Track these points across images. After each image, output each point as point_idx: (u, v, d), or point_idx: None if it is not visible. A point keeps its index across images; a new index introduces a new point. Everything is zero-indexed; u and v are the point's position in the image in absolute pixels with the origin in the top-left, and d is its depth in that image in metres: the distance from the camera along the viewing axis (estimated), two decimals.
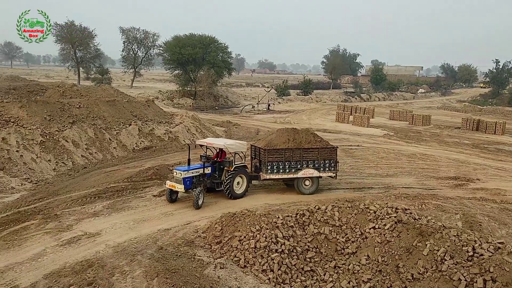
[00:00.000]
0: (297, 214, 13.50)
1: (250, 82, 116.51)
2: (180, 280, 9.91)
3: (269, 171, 18.57)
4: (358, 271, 11.66)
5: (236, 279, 10.73)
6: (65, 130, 25.61)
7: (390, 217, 12.84)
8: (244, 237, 12.33)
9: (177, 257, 11.79)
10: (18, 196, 18.36)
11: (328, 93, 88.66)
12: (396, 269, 11.33)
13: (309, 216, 13.42)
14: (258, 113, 55.37)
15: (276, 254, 11.65)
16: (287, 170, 18.73)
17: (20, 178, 20.85)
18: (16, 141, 23.01)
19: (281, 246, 11.92)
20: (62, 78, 75.46)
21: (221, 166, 18.27)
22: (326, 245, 12.67)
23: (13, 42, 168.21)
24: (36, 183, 20.79)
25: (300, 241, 12.51)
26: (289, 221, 13.06)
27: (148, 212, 16.26)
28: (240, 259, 11.66)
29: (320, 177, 19.38)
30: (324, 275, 11.67)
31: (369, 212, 13.32)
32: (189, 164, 18.09)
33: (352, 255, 12.30)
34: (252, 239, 12.12)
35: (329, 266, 12.01)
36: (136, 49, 73.16)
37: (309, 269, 11.74)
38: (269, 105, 60.84)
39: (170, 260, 11.41)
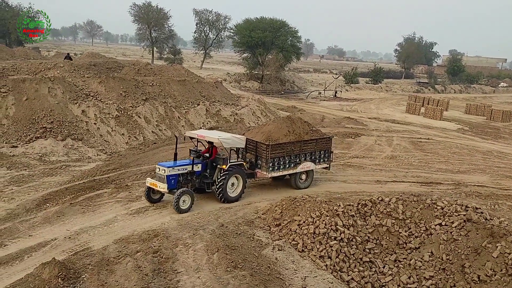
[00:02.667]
0: (359, 203, 13.27)
1: (318, 68, 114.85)
2: (239, 257, 10.17)
3: (271, 168, 16.44)
4: (420, 267, 11.30)
5: (293, 262, 10.82)
6: (138, 106, 26.88)
7: (458, 215, 12.24)
8: (304, 222, 12.35)
9: (237, 235, 12.09)
10: (94, 166, 19.64)
11: (399, 82, 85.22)
12: (461, 269, 10.83)
13: (371, 206, 13.15)
14: (324, 100, 54.57)
15: (335, 241, 11.57)
16: (287, 166, 16.90)
17: (96, 149, 22.27)
18: (94, 114, 24.54)
19: (340, 234, 11.81)
20: (137, 57, 79.07)
21: (214, 164, 15.55)
22: (387, 238, 12.37)
23: (95, 21, 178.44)
24: (110, 155, 22.11)
25: (360, 231, 12.31)
26: (350, 210, 12.87)
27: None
28: (298, 243, 11.72)
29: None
30: (384, 267, 11.44)
31: (436, 208, 12.78)
32: (175, 159, 15.19)
33: (414, 251, 11.91)
34: (312, 224, 12.12)
35: (389, 259, 11.74)
36: (208, 31, 74.57)
37: (368, 260, 11.55)
38: (336, 92, 59.70)
39: (230, 237, 11.72)
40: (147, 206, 14.50)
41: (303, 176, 17.70)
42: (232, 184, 15.59)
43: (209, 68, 76.80)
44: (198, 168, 15.19)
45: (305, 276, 10.28)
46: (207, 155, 15.78)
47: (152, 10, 69.96)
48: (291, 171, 17.07)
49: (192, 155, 15.48)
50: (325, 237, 11.67)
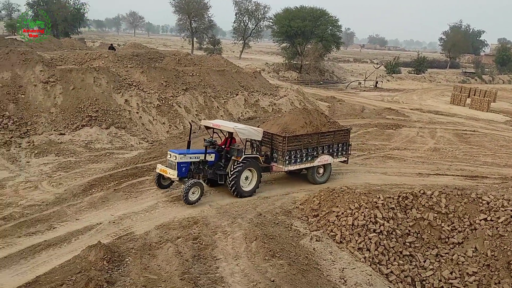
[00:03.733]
0: (399, 196, 13.00)
1: (358, 57, 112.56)
2: (277, 246, 10.23)
3: (288, 161, 15.65)
4: (462, 262, 10.99)
5: (331, 253, 10.77)
6: (178, 96, 27.37)
7: (505, 210, 11.77)
8: (342, 213, 12.25)
9: (275, 224, 12.14)
10: (136, 154, 20.21)
11: (444, 72, 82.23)
12: (507, 265, 10.44)
13: (412, 199, 12.85)
14: (364, 90, 53.52)
15: (374, 234, 11.41)
16: (304, 159, 16.10)
17: (138, 137, 22.92)
18: (137, 103, 25.22)
19: (379, 226, 11.63)
20: (177, 47, 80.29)
21: (228, 155, 14.98)
22: (429, 232, 12.07)
23: (137, 12, 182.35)
24: (151, 143, 22.68)
25: (400, 224, 12.07)
26: (390, 202, 12.63)
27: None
28: (336, 234, 11.64)
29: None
30: (424, 262, 11.20)
31: (481, 203, 12.34)
32: (188, 147, 14.88)
33: (457, 246, 11.58)
34: (350, 216, 11.99)
35: (431, 254, 11.47)
36: (247, 21, 74.60)
37: (408, 253, 11.33)
38: (376, 82, 58.38)
39: (268, 226, 11.79)
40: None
41: (321, 170, 16.87)
42: (246, 178, 14.85)
43: (248, 58, 76.92)
44: (211, 158, 14.56)
45: (343, 268, 10.22)
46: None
47: (193, 1, 70.82)
48: (308, 165, 16.25)
49: (205, 144, 14.73)
50: (364, 229, 11.53)
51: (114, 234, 11.45)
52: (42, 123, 21.78)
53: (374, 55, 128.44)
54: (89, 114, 22.95)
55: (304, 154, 15.97)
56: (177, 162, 13.66)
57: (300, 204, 13.96)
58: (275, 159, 15.91)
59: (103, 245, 9.67)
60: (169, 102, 26.62)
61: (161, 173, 14.14)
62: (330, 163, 16.96)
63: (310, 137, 16.03)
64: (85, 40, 70.41)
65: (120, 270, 8.93)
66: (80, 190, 15.00)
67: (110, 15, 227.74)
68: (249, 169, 14.74)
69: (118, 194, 14.49)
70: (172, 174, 13.71)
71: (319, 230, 12.01)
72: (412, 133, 27.49)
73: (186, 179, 13.85)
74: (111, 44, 35.43)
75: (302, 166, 16.18)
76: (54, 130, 21.59)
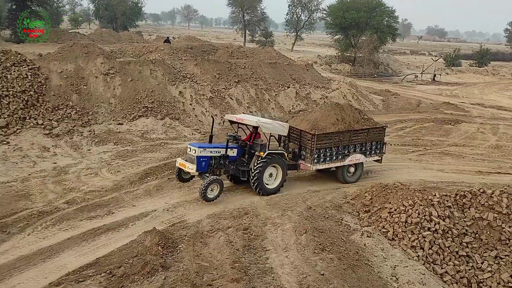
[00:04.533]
0: (456, 194, 12.47)
1: (415, 49, 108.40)
2: (327, 240, 10.18)
3: (316, 160, 14.91)
4: None
5: (383, 250, 10.56)
6: (230, 88, 27.71)
7: None
8: (395, 210, 11.95)
9: (325, 218, 12.07)
10: None
11: (509, 65, 77.44)
12: None
13: (471, 198, 12.28)
14: (421, 84, 51.54)
15: (429, 232, 11.04)
16: (334, 158, 15.32)
17: (191, 129, 23.48)
18: (190, 95, 25.80)
19: (435, 225, 11.23)
20: (230, 40, 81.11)
21: (252, 151, 14.38)
22: (488, 233, 11.51)
23: (192, 6, 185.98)
24: (203, 134, 23.15)
25: (457, 223, 11.60)
26: (447, 200, 12.15)
27: (300, 172, 16.81)
28: (389, 231, 11.38)
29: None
30: (482, 263, 10.70)
31: None
32: (210, 141, 14.53)
33: None
34: (404, 213, 11.68)
35: (489, 255, 10.94)
36: (300, 13, 73.99)
37: (465, 254, 10.88)
38: (434, 75, 55.99)
39: (318, 220, 11.75)
40: (237, 186, 15.01)
41: (351, 169, 16.09)
42: (270, 175, 14.26)
43: (300, 50, 76.31)
44: (233, 153, 14.05)
45: (395, 265, 10.00)
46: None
47: None
48: (338, 164, 15.48)
49: (227, 137, 14.29)
50: (418, 227, 11.18)
51: (168, 221, 11.88)
52: (102, 113, 22.82)
53: (433, 47, 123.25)
54: (145, 105, 23.77)
55: (334, 153, 15.23)
56: (196, 156, 13.26)
57: (351, 199, 13.78)
58: (303, 157, 15.23)
59: (158, 231, 10.06)
60: (221, 94, 27.01)
61: (181, 167, 13.70)
62: (362, 162, 16.15)
63: (342, 135, 15.22)
64: (142, 33, 72.84)
65: (173, 256, 9.27)
66: (136, 178, 15.63)
67: (165, 8, 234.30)
68: (273, 166, 14.18)
69: (172, 183, 14.96)
70: (191, 168, 13.30)
71: (370, 226, 11.80)
72: (472, 129, 26.22)
73: (207, 174, 13.43)
74: (167, 37, 36.37)
75: (332, 165, 15.44)
76: (113, 120, 22.56)
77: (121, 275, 8.31)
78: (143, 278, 8.14)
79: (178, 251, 9.57)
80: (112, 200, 13.49)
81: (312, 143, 14.71)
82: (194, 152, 13.33)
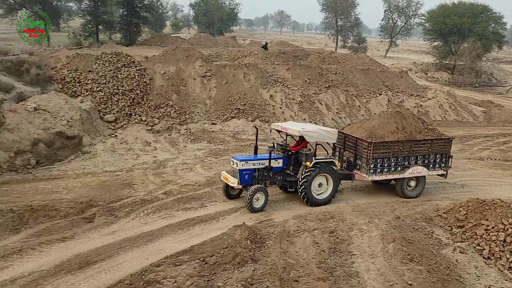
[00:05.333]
0: None
1: None
2: (415, 251, 9.94)
3: (372, 170, 14.03)
4: None
5: (477, 268, 10.04)
6: (320, 93, 27.80)
7: None
8: (493, 227, 11.27)
9: (414, 230, 11.76)
10: None
11: None
12: None
13: None
14: None
15: None
16: (393, 169, 14.35)
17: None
18: (281, 99, 26.36)
19: None
20: (321, 45, 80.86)
21: (299, 160, 13.79)
22: None
23: (285, 11, 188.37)
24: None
25: None
26: None
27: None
28: (484, 249, 10.78)
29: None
30: None
31: None
32: (255, 152, 13.85)
33: None
34: (502, 231, 10.98)
35: None
36: (396, 18, 71.54)
37: None
38: None
39: (406, 230, 11.48)
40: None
41: (412, 183, 15.07)
42: (320, 185, 13.61)
43: (394, 57, 73.72)
44: (278, 163, 13.54)
45: (490, 285, 9.47)
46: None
47: None
48: (396, 176, 14.57)
49: (269, 149, 13.76)
50: None
51: (256, 219, 12.38)
52: (198, 113, 24.23)
53: None
54: (238, 107, 24.77)
55: (392, 164, 14.32)
56: (239, 170, 12.93)
57: (444, 213, 13.23)
58: (358, 167, 14.47)
59: (247, 226, 10.58)
60: (311, 99, 27.21)
61: (224, 181, 13.41)
62: (424, 176, 15.03)
63: (401, 144, 14.28)
64: (236, 38, 75.55)
65: (261, 251, 9.71)
66: None
67: (259, 14, 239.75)
68: (323, 175, 13.54)
69: None
70: (233, 182, 12.94)
71: (463, 242, 11.27)
72: None
73: (250, 186, 12.97)
74: (266, 43, 36.68)
75: (389, 176, 14.59)
76: (208, 120, 23.85)
77: (213, 263, 8.92)
78: (234, 268, 8.67)
79: (266, 246, 9.99)
80: (205, 194, 14.34)
81: (368, 152, 13.92)
82: (236, 165, 12.99)
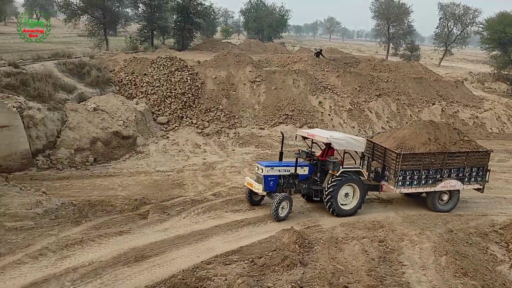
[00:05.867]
0: None
1: None
2: (469, 266, 9.64)
3: (401, 182, 13.32)
4: None
5: None
6: (371, 101, 27.42)
7: None
8: None
9: (468, 244, 11.39)
10: None
11: None
12: None
13: None
14: None
15: None
16: (423, 182, 13.56)
17: None
18: (330, 106, 26.24)
19: None
20: (371, 53, 79.50)
21: (325, 168, 13.29)
22: None
23: (335, 18, 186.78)
24: None
25: None
26: None
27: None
28: None
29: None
30: None
31: None
32: (280, 159, 13.58)
33: None
34: None
35: None
36: (452, 26, 69.14)
37: None
38: None
39: (459, 244, 11.15)
40: (373, 199, 14.91)
41: (445, 197, 14.25)
42: (346, 195, 13.07)
43: (448, 66, 71.19)
44: (304, 171, 13.06)
45: None
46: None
47: (393, 6, 69.06)
48: (427, 189, 13.80)
49: (296, 155, 13.33)
50: None
51: (303, 224, 12.43)
52: (246, 117, 24.59)
53: None
54: (286, 113, 24.91)
55: (423, 176, 13.55)
56: (264, 176, 12.54)
57: (500, 229, 12.73)
58: (386, 178, 13.82)
59: (296, 230, 10.66)
60: (361, 107, 26.90)
61: (248, 186, 13.07)
62: (458, 190, 14.20)
63: (433, 156, 13.46)
64: (285, 44, 75.79)
65: (309, 256, 9.75)
66: None
67: (308, 20, 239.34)
68: (350, 185, 13.04)
69: None
70: (257, 188, 12.59)
71: None
72: None
73: (275, 193, 12.63)
74: (320, 50, 36.19)
75: (419, 189, 13.84)
76: (256, 125, 24.15)
77: (262, 265, 9.07)
78: (283, 270, 8.78)
79: (314, 251, 10.02)
80: None
81: (397, 163, 13.21)
82: (261, 171, 12.59)
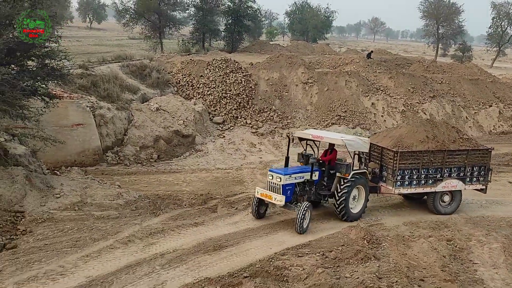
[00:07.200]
0: None
1: None
2: None
3: (399, 182, 12.85)
4: None
5: None
6: (424, 103, 27.13)
7: None
8: None
9: None
10: None
11: None
12: None
13: None
14: None
15: None
16: (423, 182, 13.07)
17: None
18: (382, 107, 26.22)
19: None
20: (419, 54, 77.82)
21: (331, 171, 12.60)
22: None
23: (379, 18, 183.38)
24: None
25: None
26: None
27: (502, 196, 15.80)
28: None
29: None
30: None
31: None
32: (286, 164, 12.64)
33: None
34: None
35: None
36: (506, 26, 66.68)
37: None
38: None
39: None
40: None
41: (446, 198, 13.72)
42: (354, 198, 12.53)
43: (502, 67, 68.69)
44: (315, 176, 12.15)
45: None
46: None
47: (443, 5, 67.41)
48: (428, 189, 13.32)
49: (311, 161, 12.18)
50: None
51: (366, 222, 12.70)
52: (299, 118, 25.00)
53: None
54: (339, 114, 25.13)
55: (422, 176, 13.09)
56: (282, 185, 11.44)
57: None
58: (384, 178, 13.38)
59: (363, 227, 10.99)
60: (414, 108, 26.68)
61: (263, 198, 11.75)
62: (459, 190, 13.68)
63: (432, 154, 13.02)
64: (329, 45, 75.60)
65: (379, 251, 10.07)
66: None
67: (351, 21, 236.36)
68: (357, 187, 12.54)
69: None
70: (279, 200, 11.33)
71: None
72: None
73: (291, 204, 11.73)
74: (371, 51, 36.09)
75: (419, 190, 13.34)
76: (308, 125, 24.49)
77: (334, 258, 9.48)
78: (358, 262, 9.16)
79: (382, 248, 10.32)
80: None
81: (395, 162, 12.79)
82: (279, 180, 11.47)
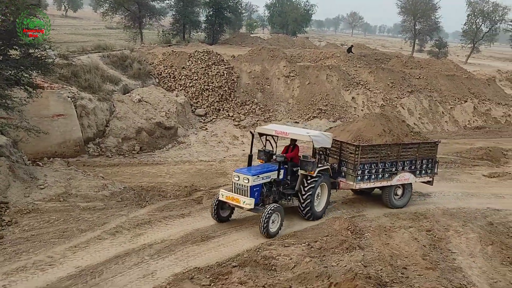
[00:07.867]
0: None
1: None
2: None
3: (360, 177, 12.67)
4: None
5: None
6: (403, 98, 27.74)
7: None
8: None
9: (509, 237, 11.82)
10: None
11: None
12: None
13: None
14: None
15: None
16: (381, 176, 13.07)
17: None
18: (362, 101, 26.70)
19: None
20: (396, 49, 79.06)
21: (293, 169, 11.86)
22: None
23: (358, 12, 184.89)
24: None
25: None
26: None
27: (477, 189, 16.40)
28: None
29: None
30: None
31: None
32: (250, 163, 11.67)
33: None
34: None
35: None
36: (480, 23, 68.33)
37: None
38: None
39: (502, 236, 11.62)
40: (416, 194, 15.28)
41: (399, 191, 13.85)
42: (317, 195, 11.93)
43: (475, 63, 70.41)
44: (280, 175, 11.38)
45: None
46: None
47: (420, 1, 68.54)
48: (384, 183, 13.25)
49: (278, 159, 11.38)
50: None
51: (348, 213, 13.03)
52: (281, 111, 25.22)
53: None
54: (320, 107, 25.46)
55: (380, 170, 13.05)
56: (250, 186, 10.58)
57: None
58: (343, 174, 13.08)
59: (346, 218, 11.30)
60: (393, 103, 27.25)
61: (230, 202, 10.87)
62: (411, 184, 13.94)
63: (390, 148, 13.06)
64: (309, 38, 75.97)
65: (363, 241, 10.40)
66: None
67: (330, 15, 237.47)
68: (321, 185, 11.98)
69: None
70: (248, 203, 10.47)
71: None
72: None
73: (259, 205, 10.88)
74: (351, 46, 36.51)
75: (378, 184, 13.26)
76: (290, 118, 24.75)
77: (319, 248, 9.75)
78: (343, 252, 9.45)
79: (365, 238, 10.66)
80: None
81: (356, 156, 12.54)
82: (247, 181, 10.57)
